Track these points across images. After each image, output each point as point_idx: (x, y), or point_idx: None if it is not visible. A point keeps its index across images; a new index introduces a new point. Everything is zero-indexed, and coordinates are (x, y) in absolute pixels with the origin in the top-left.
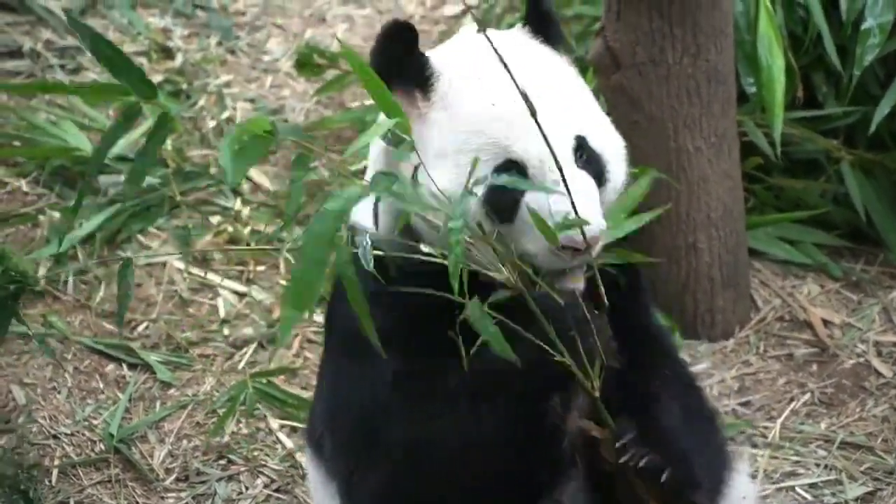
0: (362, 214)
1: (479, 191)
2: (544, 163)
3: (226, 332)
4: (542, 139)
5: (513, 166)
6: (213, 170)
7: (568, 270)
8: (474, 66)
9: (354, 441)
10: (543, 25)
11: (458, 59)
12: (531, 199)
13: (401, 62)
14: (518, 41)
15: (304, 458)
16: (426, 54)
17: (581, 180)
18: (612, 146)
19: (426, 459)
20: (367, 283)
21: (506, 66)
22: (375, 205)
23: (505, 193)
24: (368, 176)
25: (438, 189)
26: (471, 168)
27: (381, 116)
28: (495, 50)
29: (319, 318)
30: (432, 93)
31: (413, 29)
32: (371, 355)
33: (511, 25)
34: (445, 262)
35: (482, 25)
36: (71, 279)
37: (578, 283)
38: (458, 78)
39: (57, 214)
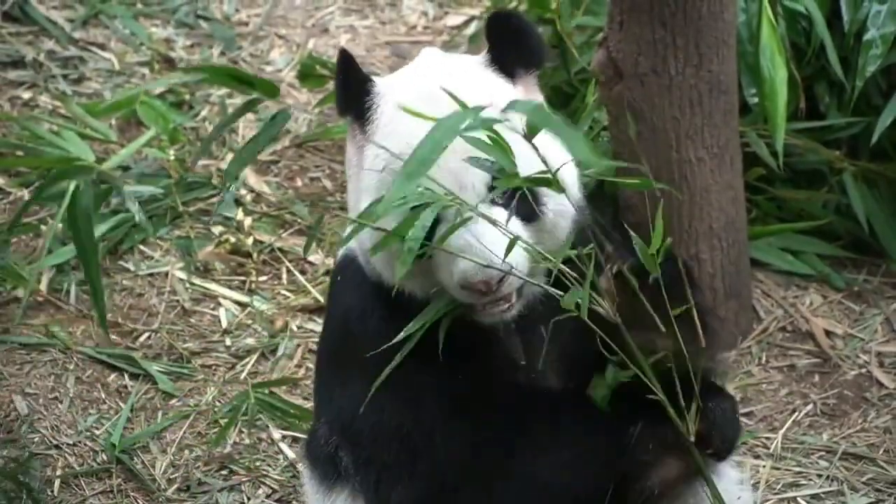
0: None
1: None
2: (453, 201)
3: (227, 342)
4: (452, 175)
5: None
6: (215, 180)
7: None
8: (404, 98)
9: (380, 453)
10: (504, 51)
11: (396, 89)
12: (439, 236)
13: (344, 93)
14: (466, 69)
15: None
16: (371, 84)
17: (490, 220)
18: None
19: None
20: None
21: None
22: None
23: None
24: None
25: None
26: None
27: None
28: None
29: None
30: (369, 125)
31: (348, 57)
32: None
33: None
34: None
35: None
36: (73, 289)
37: (491, 319)
38: (388, 111)
39: (59, 224)
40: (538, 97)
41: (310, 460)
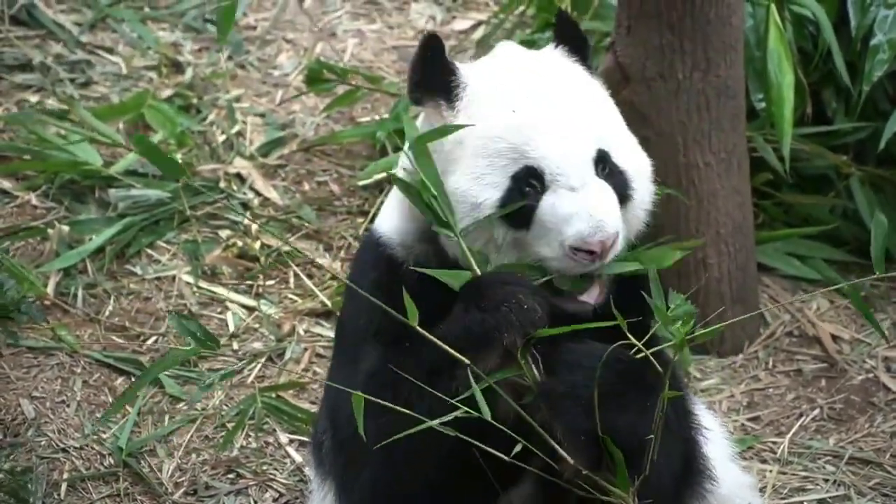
0: (385, 217)
1: (496, 196)
2: (562, 169)
3: (235, 346)
4: (562, 145)
5: (530, 173)
6: (222, 184)
7: (584, 281)
8: (500, 77)
9: (349, 439)
10: (576, 46)
11: (485, 71)
12: (547, 203)
13: (428, 74)
14: (550, 58)
15: (310, 469)
16: (457, 67)
17: (598, 187)
18: (637, 165)
19: (400, 464)
20: (376, 278)
21: (530, 76)
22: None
23: (521, 198)
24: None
25: (455, 193)
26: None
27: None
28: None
29: (330, 332)
30: (457, 102)
31: (438, 41)
32: (369, 354)
33: (522, 40)
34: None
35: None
36: (80, 293)
37: (593, 298)
38: (483, 88)
39: (66, 228)
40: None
41: (312, 445)
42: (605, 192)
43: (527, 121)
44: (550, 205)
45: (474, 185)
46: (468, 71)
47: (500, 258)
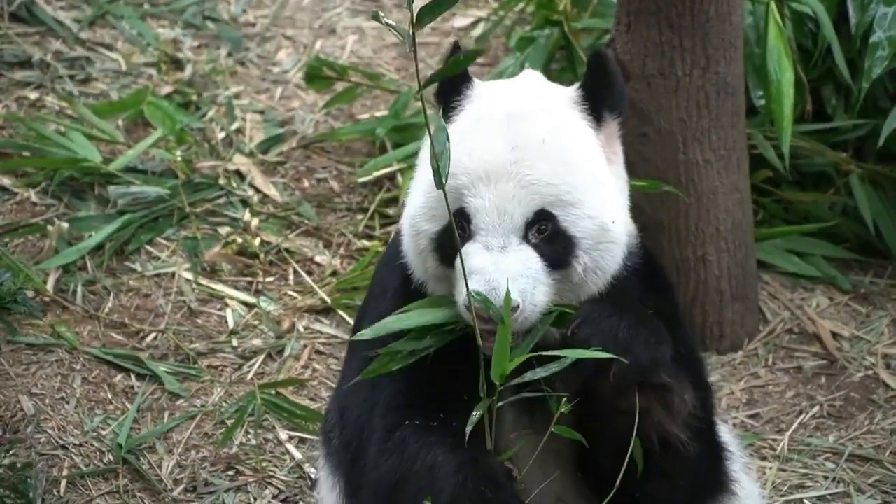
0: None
1: (434, 229)
2: (486, 225)
3: (234, 342)
4: (495, 203)
5: (463, 216)
6: (221, 180)
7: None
8: (485, 111)
9: (355, 442)
10: (599, 91)
11: (485, 99)
12: (465, 251)
13: (445, 87)
14: (551, 101)
15: (312, 466)
16: (471, 84)
17: (515, 256)
18: (592, 231)
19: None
20: (395, 291)
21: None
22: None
23: (449, 238)
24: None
25: (410, 214)
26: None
27: None
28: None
29: (329, 329)
30: (450, 124)
31: (458, 57)
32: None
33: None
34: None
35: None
36: (80, 289)
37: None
38: (471, 117)
39: (66, 225)
40: (617, 147)
41: (322, 435)
42: (521, 261)
43: (475, 167)
44: (466, 253)
45: (423, 213)
46: (478, 91)
47: (438, 289)
